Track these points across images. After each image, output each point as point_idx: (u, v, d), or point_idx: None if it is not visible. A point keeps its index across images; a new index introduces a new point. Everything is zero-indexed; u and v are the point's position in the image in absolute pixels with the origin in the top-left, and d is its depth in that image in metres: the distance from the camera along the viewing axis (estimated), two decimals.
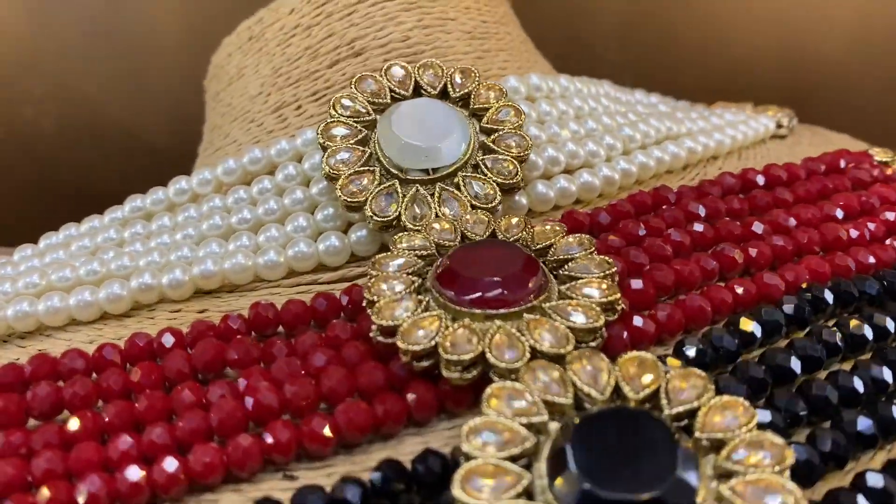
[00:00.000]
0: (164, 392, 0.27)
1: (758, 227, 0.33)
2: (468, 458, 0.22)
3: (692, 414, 0.23)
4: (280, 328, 0.30)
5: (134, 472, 0.24)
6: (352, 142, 0.34)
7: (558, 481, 0.21)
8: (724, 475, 0.21)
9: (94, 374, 0.29)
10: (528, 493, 0.21)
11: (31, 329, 0.33)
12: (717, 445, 0.22)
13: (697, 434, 0.22)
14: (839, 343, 0.28)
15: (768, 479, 0.21)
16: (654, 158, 0.39)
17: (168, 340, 0.29)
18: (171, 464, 0.25)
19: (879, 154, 0.40)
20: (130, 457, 0.25)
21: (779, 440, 0.22)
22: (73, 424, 0.26)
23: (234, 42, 0.43)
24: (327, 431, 0.25)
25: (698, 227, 0.33)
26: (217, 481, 0.25)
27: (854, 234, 0.33)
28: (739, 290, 0.30)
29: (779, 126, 0.47)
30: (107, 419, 0.26)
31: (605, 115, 0.40)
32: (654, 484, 0.20)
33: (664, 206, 0.35)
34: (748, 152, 0.44)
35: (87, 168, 0.74)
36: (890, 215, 0.34)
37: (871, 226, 0.34)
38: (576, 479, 0.21)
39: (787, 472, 0.21)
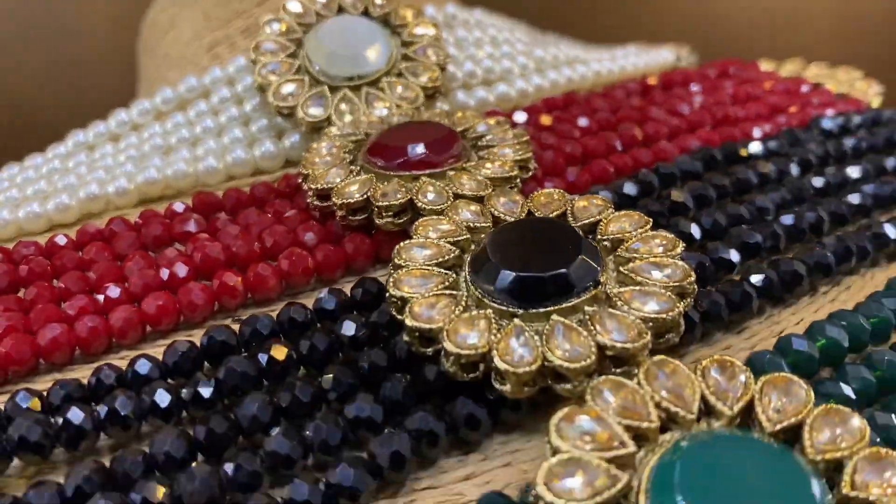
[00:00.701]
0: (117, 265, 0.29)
1: (656, 113, 0.37)
2: (397, 284, 0.24)
3: (594, 227, 0.26)
4: (223, 214, 0.32)
5: (90, 320, 0.26)
6: (282, 56, 0.37)
7: (480, 274, 0.24)
8: (623, 262, 0.24)
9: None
10: (453, 287, 0.24)
11: None
12: (616, 245, 0.25)
13: (599, 237, 0.25)
14: (729, 186, 0.31)
15: (661, 259, 0.24)
16: (564, 76, 0.43)
17: (118, 226, 0.31)
18: (125, 310, 0.26)
19: (765, 63, 0.44)
20: (86, 311, 0.27)
21: (671, 235, 0.25)
22: (31, 292, 0.28)
23: None
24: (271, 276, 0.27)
25: (602, 114, 0.36)
26: (170, 326, 0.27)
27: (741, 113, 0.37)
28: (638, 157, 0.33)
29: (678, 59, 0.51)
30: (63, 285, 0.28)
31: (519, 42, 0.44)
32: (562, 264, 0.23)
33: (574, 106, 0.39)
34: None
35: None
36: (773, 98, 0.38)
37: (757, 108, 0.37)
38: (494, 268, 0.23)
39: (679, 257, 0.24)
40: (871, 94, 0.42)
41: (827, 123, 0.36)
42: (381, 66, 0.37)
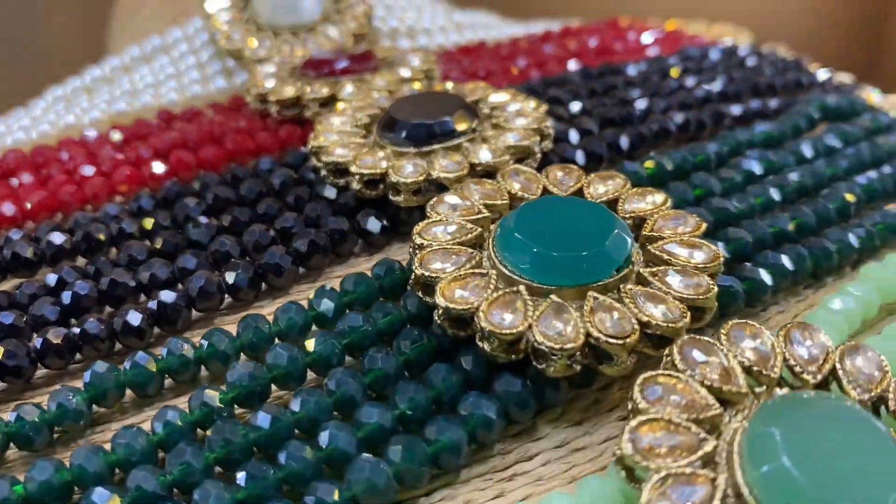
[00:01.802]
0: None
1: (547, 49, 0.44)
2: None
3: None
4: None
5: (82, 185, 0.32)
6: (234, 11, 0.43)
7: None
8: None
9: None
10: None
11: None
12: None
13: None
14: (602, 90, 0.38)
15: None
16: (478, 35, 0.50)
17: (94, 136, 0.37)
18: (100, 180, 0.32)
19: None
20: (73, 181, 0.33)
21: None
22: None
23: None
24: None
25: (505, 49, 0.43)
26: (134, 191, 0.33)
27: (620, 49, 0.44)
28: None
29: None
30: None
31: (441, 12, 0.51)
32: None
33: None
34: None
35: None
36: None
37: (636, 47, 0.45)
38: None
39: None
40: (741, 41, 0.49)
41: (691, 51, 0.43)
42: (316, 16, 0.44)
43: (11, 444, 0.22)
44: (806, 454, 0.18)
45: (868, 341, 0.23)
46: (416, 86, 0.34)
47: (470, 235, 0.25)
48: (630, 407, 0.19)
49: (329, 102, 0.35)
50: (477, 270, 0.23)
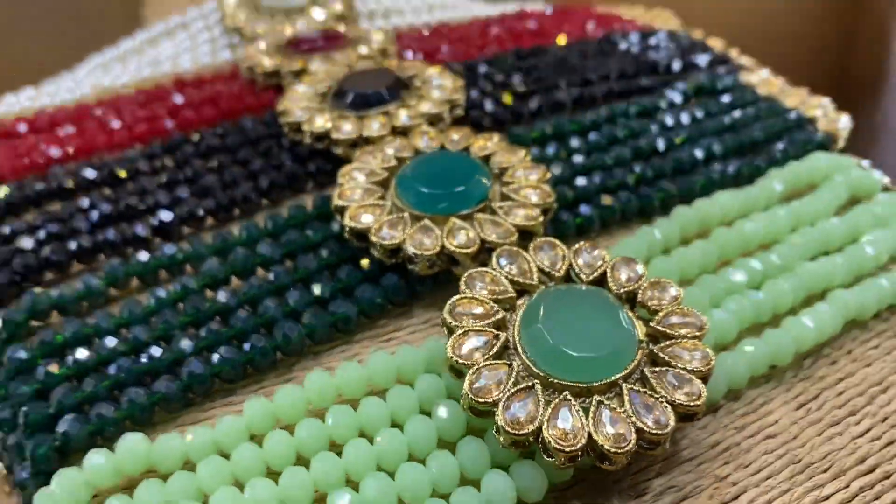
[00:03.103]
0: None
1: (496, 30, 0.53)
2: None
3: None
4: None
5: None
6: None
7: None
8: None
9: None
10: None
11: None
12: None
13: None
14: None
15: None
16: (447, 15, 0.59)
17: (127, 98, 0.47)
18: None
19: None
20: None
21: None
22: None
23: None
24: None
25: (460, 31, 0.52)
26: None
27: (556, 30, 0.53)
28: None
29: None
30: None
31: None
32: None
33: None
34: None
35: None
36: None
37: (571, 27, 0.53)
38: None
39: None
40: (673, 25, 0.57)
41: (615, 36, 0.51)
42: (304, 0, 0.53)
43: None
44: (558, 321, 0.27)
45: (655, 260, 0.33)
46: (370, 62, 0.44)
47: (379, 178, 0.34)
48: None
49: (301, 74, 0.44)
50: (379, 203, 0.33)
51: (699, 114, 0.42)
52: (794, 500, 0.26)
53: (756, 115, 0.43)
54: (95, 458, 0.27)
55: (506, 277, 0.29)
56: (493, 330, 0.27)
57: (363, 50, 0.46)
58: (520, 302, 0.29)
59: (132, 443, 0.27)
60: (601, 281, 0.29)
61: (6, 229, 0.36)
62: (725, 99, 0.44)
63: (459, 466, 0.26)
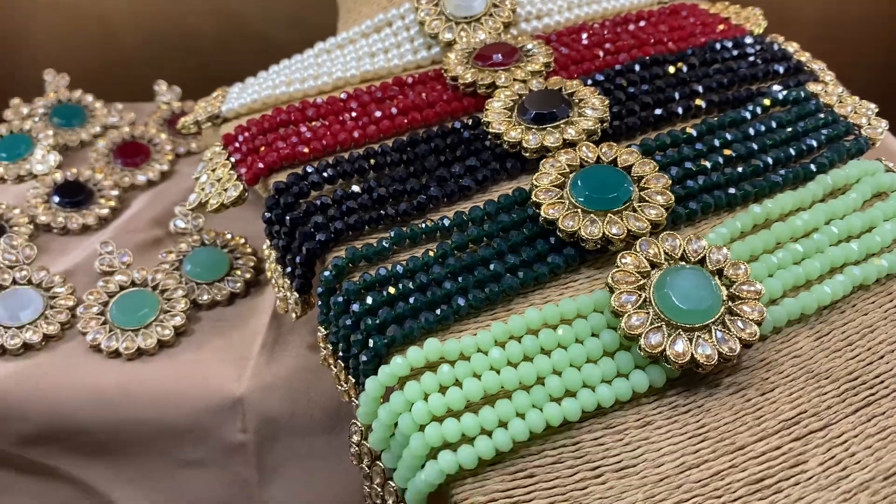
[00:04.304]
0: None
1: (625, 37, 0.70)
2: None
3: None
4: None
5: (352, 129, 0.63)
6: (430, 5, 0.71)
7: None
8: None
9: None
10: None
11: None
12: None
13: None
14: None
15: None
16: (585, 12, 0.76)
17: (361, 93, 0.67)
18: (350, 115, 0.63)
19: (714, 7, 0.76)
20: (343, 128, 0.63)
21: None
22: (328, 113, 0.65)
23: None
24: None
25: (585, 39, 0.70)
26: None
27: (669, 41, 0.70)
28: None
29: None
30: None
31: None
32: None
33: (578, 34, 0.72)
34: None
35: (233, 62, 1.13)
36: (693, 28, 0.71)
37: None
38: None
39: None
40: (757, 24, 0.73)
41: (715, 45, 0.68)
42: (482, 9, 0.71)
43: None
44: (676, 286, 0.48)
45: (735, 244, 0.52)
46: (537, 78, 0.62)
47: (558, 183, 0.54)
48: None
49: (491, 87, 0.63)
50: (560, 200, 0.53)
51: (773, 124, 0.60)
52: (805, 393, 0.47)
53: (815, 126, 0.60)
54: (411, 351, 0.49)
55: (644, 257, 0.49)
56: (638, 291, 0.48)
57: (534, 66, 0.64)
58: (653, 273, 0.49)
59: (432, 343, 0.49)
60: (702, 261, 0.49)
61: (316, 202, 0.57)
62: (794, 110, 0.61)
63: (616, 367, 0.47)
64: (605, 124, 0.59)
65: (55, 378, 0.65)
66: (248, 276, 0.74)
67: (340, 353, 0.54)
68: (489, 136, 0.59)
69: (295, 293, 0.60)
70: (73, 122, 0.93)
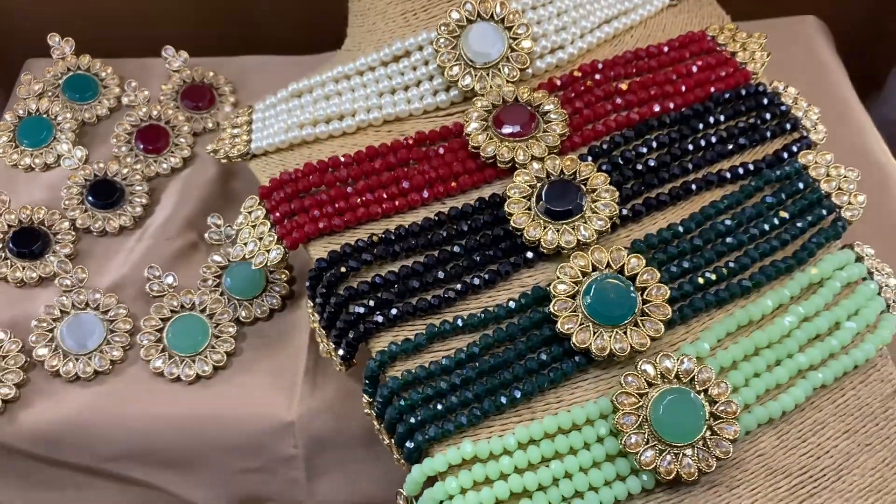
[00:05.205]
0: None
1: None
2: None
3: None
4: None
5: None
6: (448, 48, 0.73)
7: None
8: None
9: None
10: None
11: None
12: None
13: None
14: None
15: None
16: (597, 37, 0.78)
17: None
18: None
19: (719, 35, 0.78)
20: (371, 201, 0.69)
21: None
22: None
23: None
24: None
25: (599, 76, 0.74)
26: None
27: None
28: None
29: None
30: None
31: (572, 8, 0.78)
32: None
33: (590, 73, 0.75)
34: (650, 22, 0.81)
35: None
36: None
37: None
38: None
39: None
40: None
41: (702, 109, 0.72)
42: (500, 54, 0.73)
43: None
44: (664, 408, 0.58)
45: (718, 353, 0.62)
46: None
47: (572, 292, 0.62)
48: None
49: (512, 161, 0.68)
50: (574, 314, 0.62)
51: (764, 208, 0.67)
52: (763, 489, 0.59)
53: (801, 209, 0.67)
54: (451, 451, 0.60)
55: (644, 379, 0.59)
56: (636, 412, 0.59)
57: (551, 140, 0.69)
58: (650, 392, 0.59)
59: (467, 446, 0.59)
60: (692, 381, 0.59)
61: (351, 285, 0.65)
62: (783, 193, 0.68)
63: (615, 471, 0.59)
64: (615, 219, 0.65)
65: (128, 405, 0.75)
66: (283, 292, 0.82)
67: (384, 425, 0.65)
68: (510, 224, 0.66)
69: (338, 356, 0.69)
70: (86, 94, 0.94)
